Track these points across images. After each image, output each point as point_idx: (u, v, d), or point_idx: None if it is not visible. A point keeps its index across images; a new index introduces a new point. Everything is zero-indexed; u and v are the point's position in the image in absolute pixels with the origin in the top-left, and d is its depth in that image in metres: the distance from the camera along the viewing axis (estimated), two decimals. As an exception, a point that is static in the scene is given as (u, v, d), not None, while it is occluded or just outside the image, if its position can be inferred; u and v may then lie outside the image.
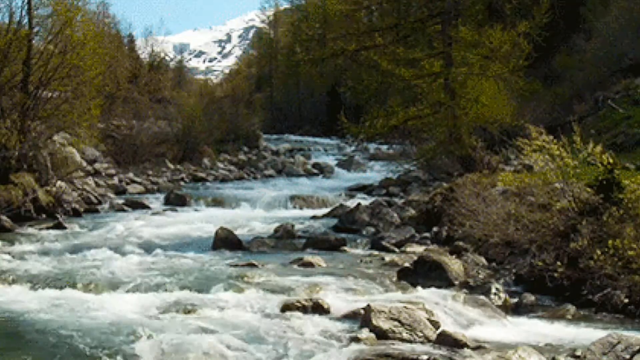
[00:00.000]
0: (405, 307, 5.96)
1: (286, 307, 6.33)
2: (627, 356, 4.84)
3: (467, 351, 5.25)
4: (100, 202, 15.47)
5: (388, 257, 9.06)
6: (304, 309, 6.28)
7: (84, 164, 18.62)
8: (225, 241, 10.28)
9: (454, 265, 7.95)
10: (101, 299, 6.71)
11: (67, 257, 9.01)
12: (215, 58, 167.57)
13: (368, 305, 5.89)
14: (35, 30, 14.57)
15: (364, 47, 14.96)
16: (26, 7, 14.31)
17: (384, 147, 27.91)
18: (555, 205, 8.05)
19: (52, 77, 14.15)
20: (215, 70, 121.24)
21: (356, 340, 5.46)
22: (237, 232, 10.86)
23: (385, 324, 5.63)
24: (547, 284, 7.35)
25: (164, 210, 14.93)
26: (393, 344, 5.43)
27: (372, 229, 11.77)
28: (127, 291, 7.02)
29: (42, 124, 14.67)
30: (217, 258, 9.26)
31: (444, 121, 14.01)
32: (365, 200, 15.10)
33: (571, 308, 6.81)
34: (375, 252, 9.73)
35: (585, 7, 25.45)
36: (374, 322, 5.65)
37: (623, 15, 21.61)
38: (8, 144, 13.23)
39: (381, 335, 5.57)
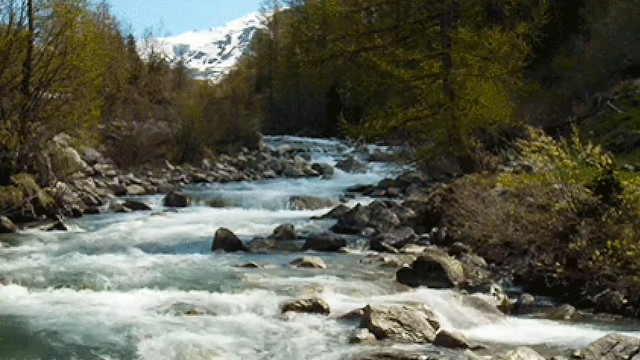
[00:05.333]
0: (404, 307, 5.97)
1: (286, 308, 6.34)
2: (626, 356, 4.86)
3: (466, 351, 5.26)
4: (100, 203, 15.49)
5: (387, 258, 9.07)
6: (303, 310, 6.29)
7: (84, 164, 18.65)
8: (225, 242, 10.29)
9: (453, 265, 7.97)
10: (101, 300, 6.72)
11: (67, 257, 9.01)
12: (215, 59, 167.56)
13: (367, 306, 5.91)
14: (35, 31, 14.60)
15: (364, 48, 14.97)
16: (26, 9, 14.34)
17: (384, 148, 27.96)
18: (554, 206, 8.07)
19: (52, 78, 14.16)
20: (215, 72, 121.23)
21: (356, 340, 5.48)
22: (236, 233, 10.87)
23: (384, 324, 5.65)
24: (546, 284, 7.37)
25: (164, 210, 14.95)
26: (392, 344, 5.45)
27: (372, 230, 11.79)
28: (127, 291, 7.03)
29: (42, 125, 14.69)
30: (217, 259, 9.27)
31: (443, 122, 14.03)
32: (364, 201, 15.12)
33: (570, 308, 6.83)
34: (375, 253, 9.75)
35: (584, 8, 25.48)
36: (374, 322, 5.67)
37: (622, 17, 21.65)
38: (8, 144, 13.24)
39: (380, 335, 5.59)
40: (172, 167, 22.88)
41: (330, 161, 26.77)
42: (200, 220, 13.07)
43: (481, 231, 8.71)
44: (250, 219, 13.42)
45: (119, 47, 30.44)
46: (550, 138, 8.29)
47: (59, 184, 14.24)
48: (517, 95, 16.49)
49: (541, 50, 17.93)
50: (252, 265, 8.42)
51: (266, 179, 23.14)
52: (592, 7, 25.03)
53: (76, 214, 13.99)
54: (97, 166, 20.05)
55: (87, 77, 14.56)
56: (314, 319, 6.09)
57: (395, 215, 12.57)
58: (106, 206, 15.39)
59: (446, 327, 5.93)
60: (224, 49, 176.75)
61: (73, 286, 7.22)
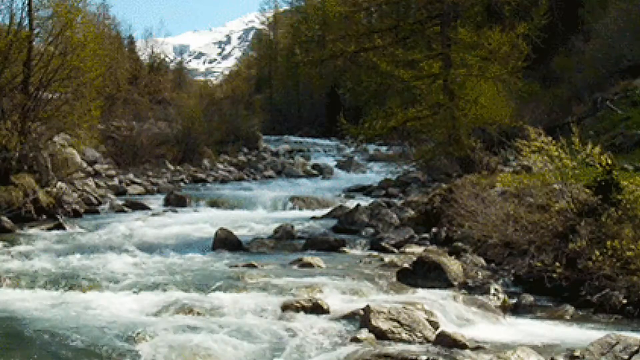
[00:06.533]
0: (404, 307, 5.98)
1: (286, 308, 6.34)
2: (626, 356, 4.86)
3: (466, 351, 5.27)
4: (100, 203, 15.48)
5: (387, 258, 9.08)
6: (303, 310, 6.29)
7: (84, 165, 18.65)
8: (225, 242, 10.30)
9: (453, 265, 7.97)
10: (101, 300, 6.73)
11: (68, 257, 9.02)
12: (215, 59, 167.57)
13: (367, 306, 5.91)
14: (35, 31, 14.59)
15: (363, 49, 15.00)
16: (26, 9, 14.34)
17: (383, 148, 27.99)
18: (554, 206, 8.08)
19: (52, 79, 14.15)
20: (215, 72, 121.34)
21: (355, 340, 5.48)
22: (236, 233, 10.87)
23: (384, 325, 5.66)
24: (546, 284, 7.38)
25: (164, 211, 14.94)
26: (392, 344, 5.45)
27: (372, 230, 11.79)
28: (127, 292, 7.04)
29: (42, 125, 14.69)
30: (217, 259, 9.28)
31: (443, 122, 14.06)
32: (364, 201, 15.12)
33: (570, 308, 6.84)
34: (375, 253, 9.75)
35: (584, 8, 25.52)
36: (373, 322, 5.67)
37: (621, 17, 21.68)
38: (9, 145, 13.24)
39: (380, 335, 5.59)
40: (172, 168, 22.89)
41: (330, 161, 26.77)
42: (200, 221, 13.06)
43: (481, 231, 8.71)
44: (250, 219, 13.42)
45: (119, 47, 30.49)
46: (549, 138, 8.30)
47: (59, 184, 14.24)
48: (517, 96, 16.53)
49: (541, 51, 17.98)
50: (252, 266, 8.43)
51: (266, 179, 23.15)
52: (591, 8, 25.06)
53: (76, 214, 13.99)
54: (97, 166, 20.05)
55: (87, 78, 14.54)
56: (314, 319, 6.10)
57: (395, 216, 12.57)
58: (106, 206, 15.38)
59: (446, 327, 5.93)
60: (224, 49, 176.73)
61: (73, 286, 7.22)
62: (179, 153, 24.21)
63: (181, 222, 12.88)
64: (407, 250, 9.83)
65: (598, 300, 6.86)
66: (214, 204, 16.28)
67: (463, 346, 5.35)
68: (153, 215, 14.23)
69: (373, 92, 15.64)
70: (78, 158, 17.95)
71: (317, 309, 6.33)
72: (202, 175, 22.45)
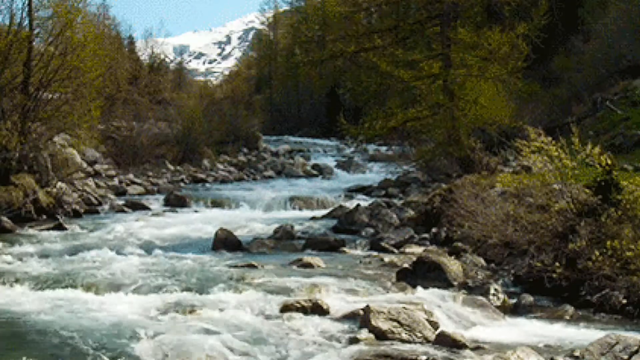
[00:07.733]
0: (404, 307, 5.98)
1: (286, 308, 6.35)
2: (625, 356, 4.87)
3: (466, 351, 5.28)
4: (100, 203, 15.49)
5: (387, 258, 9.09)
6: (303, 310, 6.30)
7: (84, 165, 18.65)
8: (225, 242, 10.31)
9: (453, 266, 7.98)
10: (102, 300, 6.74)
11: (68, 258, 9.03)
12: (215, 60, 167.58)
13: (367, 306, 5.92)
14: (35, 32, 14.60)
15: (363, 49, 15.01)
16: (27, 9, 14.35)
17: (383, 149, 27.99)
18: (553, 206, 8.08)
19: (52, 79, 14.17)
20: (215, 72, 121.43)
21: (355, 340, 5.49)
22: (236, 233, 10.88)
23: (384, 325, 5.66)
24: (546, 284, 7.38)
25: (164, 211, 14.96)
26: (392, 344, 5.46)
27: (371, 230, 11.80)
28: (128, 292, 7.05)
29: (42, 126, 14.70)
30: (217, 259, 9.29)
31: (442, 122, 14.07)
32: (364, 202, 15.14)
33: (569, 309, 6.84)
34: (375, 253, 9.76)
35: (584, 9, 25.53)
36: (373, 322, 5.68)
37: (621, 17, 21.69)
38: (9, 145, 13.25)
39: (380, 335, 5.60)
40: (172, 168, 22.89)
41: (330, 161, 26.77)
42: (200, 221, 13.08)
43: (481, 231, 8.72)
44: (250, 219, 13.43)
45: (119, 47, 30.47)
46: (549, 138, 8.30)
47: (59, 184, 14.25)
48: (517, 96, 16.54)
49: (541, 51, 17.98)
50: (252, 266, 8.44)
51: (266, 180, 23.14)
52: (591, 8, 25.07)
53: (76, 214, 14.00)
54: (97, 166, 20.06)
55: (87, 78, 14.55)
56: (314, 319, 6.10)
57: (395, 216, 12.59)
58: (106, 206, 15.39)
59: (446, 327, 5.94)
60: (223, 49, 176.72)
61: (73, 286, 7.23)
62: (179, 153, 24.20)
63: (181, 223, 12.89)
64: (407, 250, 9.84)
65: (598, 300, 6.86)
66: (214, 204, 16.29)
67: (463, 346, 5.36)
68: (153, 215, 14.24)
69: (373, 92, 15.66)
70: (78, 158, 17.95)
71: (317, 309, 6.33)
72: (202, 176, 22.45)
